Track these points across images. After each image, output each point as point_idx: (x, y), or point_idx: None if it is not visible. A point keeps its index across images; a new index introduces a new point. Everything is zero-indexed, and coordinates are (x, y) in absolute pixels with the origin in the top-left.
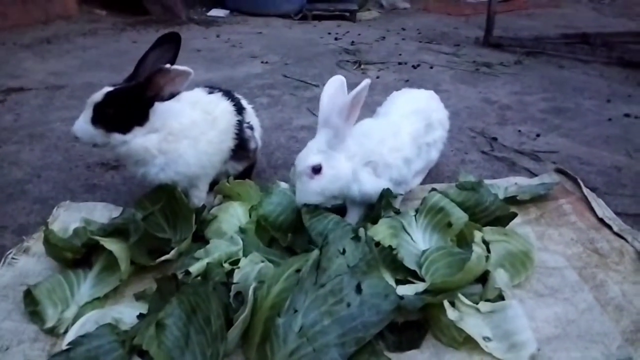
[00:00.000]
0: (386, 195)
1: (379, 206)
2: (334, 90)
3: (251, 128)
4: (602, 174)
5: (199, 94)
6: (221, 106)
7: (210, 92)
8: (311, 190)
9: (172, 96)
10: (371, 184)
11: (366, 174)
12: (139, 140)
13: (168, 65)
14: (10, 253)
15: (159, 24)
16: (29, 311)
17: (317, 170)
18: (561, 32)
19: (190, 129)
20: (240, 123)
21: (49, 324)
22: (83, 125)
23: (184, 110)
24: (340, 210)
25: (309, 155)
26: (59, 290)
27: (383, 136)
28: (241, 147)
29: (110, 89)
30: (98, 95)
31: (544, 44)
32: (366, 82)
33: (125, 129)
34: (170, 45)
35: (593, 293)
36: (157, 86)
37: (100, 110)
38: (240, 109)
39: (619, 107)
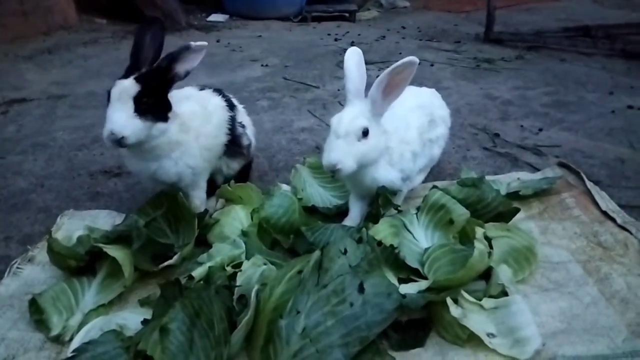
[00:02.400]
0: (382, 194)
1: (377, 205)
2: (357, 61)
3: (243, 127)
4: (606, 167)
5: (191, 90)
6: (214, 101)
7: (201, 89)
8: (355, 152)
9: (187, 74)
10: (384, 172)
11: (383, 160)
12: (173, 128)
13: (191, 43)
14: (15, 263)
15: None
16: (34, 320)
17: (365, 133)
18: (562, 25)
19: (192, 120)
20: (232, 119)
21: (55, 332)
22: (130, 120)
23: (182, 101)
24: (341, 212)
25: (359, 117)
26: (64, 298)
27: (395, 128)
28: (234, 143)
29: (133, 77)
30: (129, 86)
31: (545, 38)
32: (411, 59)
33: (165, 117)
34: (156, 29)
35: (598, 286)
36: (179, 66)
37: (141, 100)
38: (231, 107)
39: (622, 99)
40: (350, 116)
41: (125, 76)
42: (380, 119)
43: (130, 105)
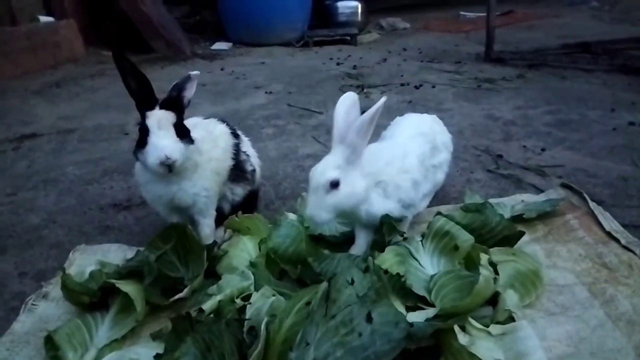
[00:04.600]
0: (386, 222)
1: (382, 233)
2: (348, 107)
3: (247, 155)
4: (609, 186)
5: (196, 119)
6: (219, 127)
7: (206, 119)
8: (326, 205)
9: (189, 103)
10: (379, 205)
11: (375, 194)
12: (196, 149)
13: (190, 73)
14: (30, 299)
15: (164, 61)
16: (50, 356)
17: (334, 185)
18: (562, 42)
19: (203, 144)
20: (237, 145)
21: None
22: (177, 145)
23: (190, 128)
24: (347, 239)
25: (328, 170)
26: (78, 334)
27: (391, 158)
28: (238, 167)
29: (160, 106)
30: (167, 114)
31: (545, 56)
32: (383, 100)
33: (192, 140)
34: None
35: (604, 309)
36: (186, 94)
37: (178, 126)
38: (235, 135)
39: (624, 116)
40: (320, 170)
41: (151, 107)
42: (359, 162)
43: (172, 132)
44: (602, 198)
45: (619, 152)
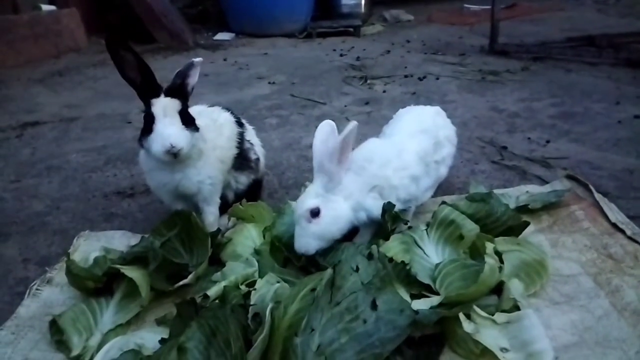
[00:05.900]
0: (388, 210)
1: (385, 221)
2: (325, 135)
3: (251, 144)
4: (614, 178)
5: (201, 107)
6: (224, 115)
7: (210, 106)
8: (311, 234)
9: (192, 90)
10: (378, 208)
11: (371, 199)
12: (201, 137)
13: (193, 59)
14: (34, 284)
15: (167, 51)
16: (55, 340)
17: (315, 213)
18: (567, 35)
19: (207, 132)
20: (241, 134)
21: (75, 352)
22: (182, 132)
23: (194, 116)
24: (351, 229)
25: (307, 199)
26: (83, 319)
27: (387, 158)
28: (242, 156)
29: (165, 94)
30: (172, 101)
31: (549, 49)
32: (353, 123)
33: (196, 127)
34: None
35: (609, 299)
36: (189, 81)
37: (183, 113)
38: (240, 124)
39: (628, 109)
40: (299, 201)
41: (156, 94)
42: (340, 184)
43: (178, 119)
44: (608, 190)
45: (625, 145)
